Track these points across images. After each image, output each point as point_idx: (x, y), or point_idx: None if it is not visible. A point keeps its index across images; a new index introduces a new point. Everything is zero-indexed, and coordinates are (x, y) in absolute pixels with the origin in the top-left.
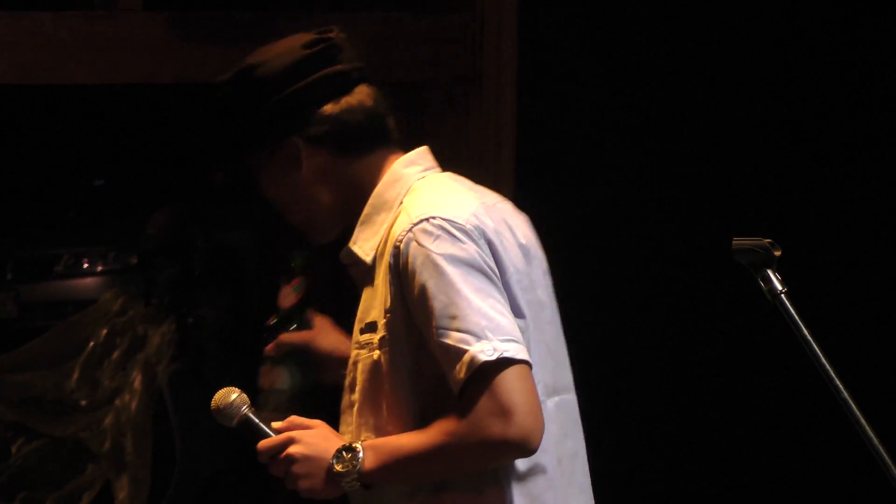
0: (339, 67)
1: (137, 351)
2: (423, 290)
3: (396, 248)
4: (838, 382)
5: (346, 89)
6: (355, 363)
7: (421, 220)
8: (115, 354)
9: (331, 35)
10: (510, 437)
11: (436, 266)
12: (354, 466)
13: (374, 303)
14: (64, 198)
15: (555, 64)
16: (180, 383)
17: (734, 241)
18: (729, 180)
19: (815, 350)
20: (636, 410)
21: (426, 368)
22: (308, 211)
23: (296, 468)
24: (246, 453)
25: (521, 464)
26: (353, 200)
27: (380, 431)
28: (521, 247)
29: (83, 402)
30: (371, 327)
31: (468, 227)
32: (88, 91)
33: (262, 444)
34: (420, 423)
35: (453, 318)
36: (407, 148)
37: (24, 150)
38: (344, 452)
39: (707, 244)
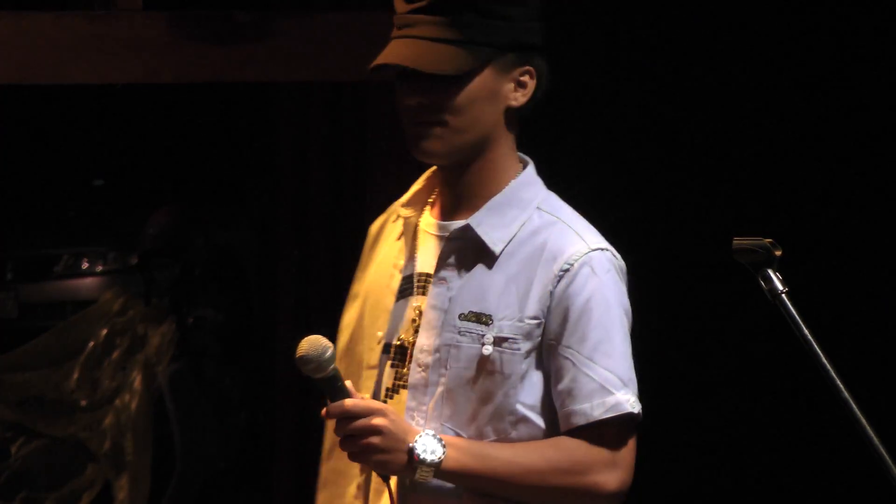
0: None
1: (137, 351)
2: (587, 316)
3: (569, 266)
4: (839, 382)
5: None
6: (448, 346)
7: (597, 249)
8: (115, 354)
9: None
10: (609, 491)
11: (605, 300)
12: (438, 458)
13: (492, 296)
14: (64, 198)
15: (555, 63)
16: (180, 383)
17: (734, 241)
18: (729, 180)
19: (816, 350)
20: None
21: (535, 384)
22: (457, 135)
23: (377, 440)
24: (246, 453)
25: None
26: (484, 162)
27: (455, 426)
28: None
29: (83, 402)
30: (481, 319)
31: (624, 269)
32: (88, 91)
33: (352, 403)
34: (508, 433)
35: (606, 355)
36: None
37: (24, 150)
38: (428, 441)
39: (708, 244)
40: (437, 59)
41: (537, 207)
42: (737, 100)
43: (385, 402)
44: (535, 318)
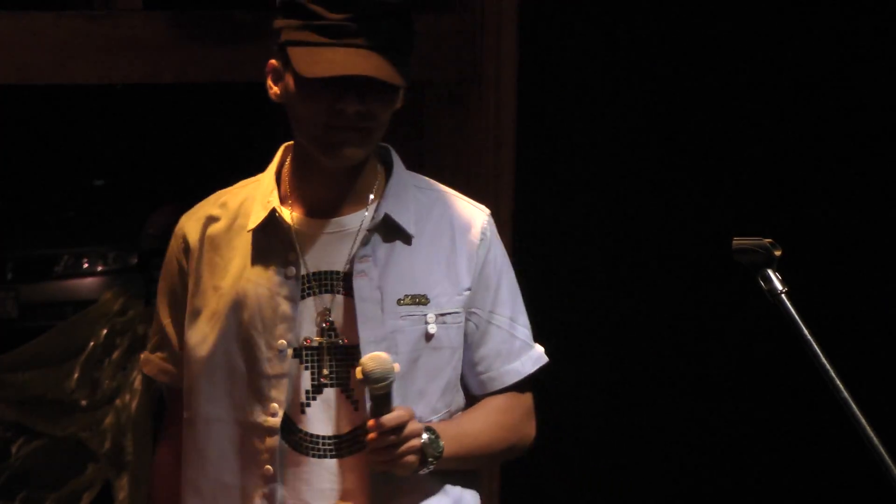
0: None
1: (137, 351)
2: (504, 279)
3: (483, 235)
4: (838, 382)
5: None
6: (394, 333)
7: (488, 214)
8: (115, 354)
9: None
10: (533, 437)
11: (507, 260)
12: (441, 451)
13: (420, 276)
14: (64, 198)
15: (555, 64)
16: None
17: (734, 241)
18: (729, 180)
19: (816, 350)
20: (636, 411)
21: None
22: (374, 141)
23: (417, 443)
24: None
25: None
26: (368, 159)
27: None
28: None
29: (83, 402)
30: (417, 300)
31: None
32: (88, 91)
33: (404, 410)
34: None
35: (521, 312)
36: None
37: (24, 150)
38: (430, 435)
39: (707, 244)
40: (392, 70)
41: (414, 186)
42: (737, 100)
43: (308, 403)
44: (468, 288)
